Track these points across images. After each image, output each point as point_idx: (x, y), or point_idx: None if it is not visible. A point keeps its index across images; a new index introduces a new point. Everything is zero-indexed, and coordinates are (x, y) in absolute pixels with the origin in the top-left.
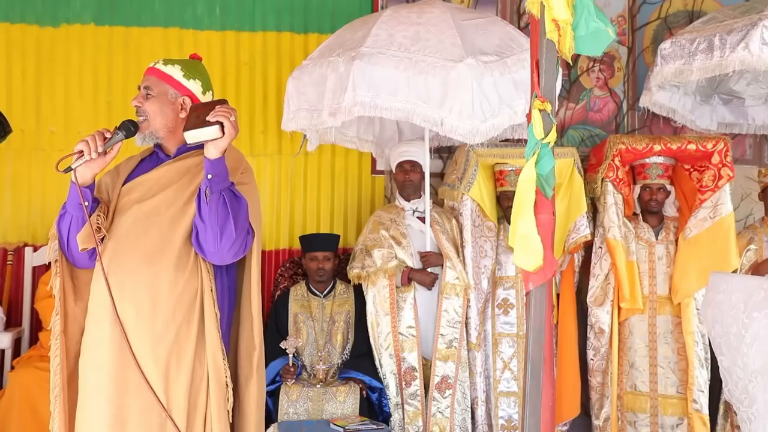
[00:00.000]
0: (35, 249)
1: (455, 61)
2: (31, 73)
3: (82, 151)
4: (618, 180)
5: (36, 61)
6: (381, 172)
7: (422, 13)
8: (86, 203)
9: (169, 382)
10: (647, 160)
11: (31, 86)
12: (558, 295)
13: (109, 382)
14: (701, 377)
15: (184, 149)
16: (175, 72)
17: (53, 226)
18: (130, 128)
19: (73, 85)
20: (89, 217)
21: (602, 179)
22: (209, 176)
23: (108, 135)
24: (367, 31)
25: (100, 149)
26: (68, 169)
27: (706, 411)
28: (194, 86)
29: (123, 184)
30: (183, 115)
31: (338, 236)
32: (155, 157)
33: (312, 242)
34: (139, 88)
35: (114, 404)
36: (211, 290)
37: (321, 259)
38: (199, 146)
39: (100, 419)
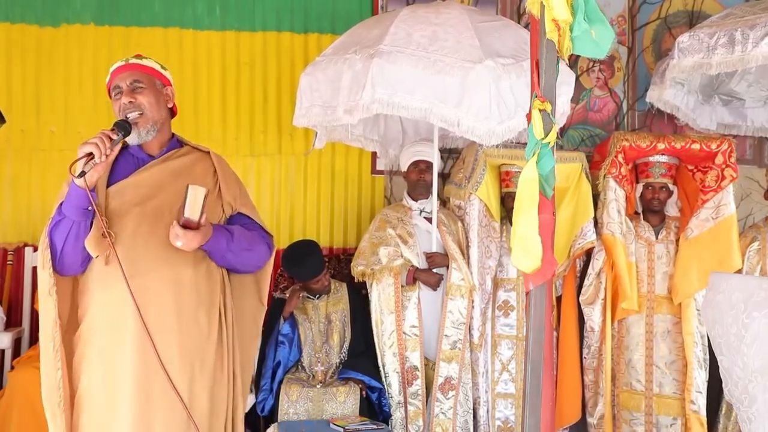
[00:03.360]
0: (35, 249)
1: (474, 62)
2: (31, 73)
3: (91, 154)
4: (621, 177)
5: (36, 61)
6: (381, 172)
7: (439, 14)
8: (94, 204)
9: (194, 384)
10: (650, 159)
11: (31, 86)
12: (559, 299)
13: (134, 390)
14: (700, 378)
15: (169, 148)
16: (153, 64)
17: (44, 236)
18: (126, 127)
19: (73, 85)
20: (95, 213)
21: (604, 176)
22: (209, 252)
23: (113, 136)
24: (385, 30)
25: (108, 151)
26: (82, 174)
27: (704, 412)
28: (169, 76)
29: (107, 186)
30: (170, 104)
31: (317, 248)
32: (132, 157)
33: (301, 272)
34: (117, 89)
35: (138, 412)
36: (228, 286)
37: (314, 282)
38: (179, 146)
39: (123, 427)
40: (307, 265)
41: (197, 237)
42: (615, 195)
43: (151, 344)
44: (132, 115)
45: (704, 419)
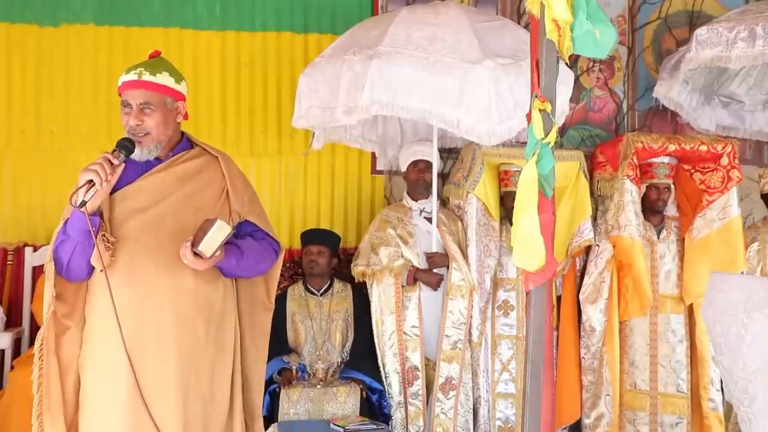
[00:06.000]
0: (35, 249)
1: (473, 63)
2: (31, 73)
3: (91, 181)
4: (636, 179)
5: (36, 61)
6: (381, 172)
7: (438, 14)
8: (94, 229)
9: (189, 393)
10: (656, 160)
11: (31, 86)
12: (559, 299)
13: (128, 402)
14: (717, 377)
15: (179, 150)
16: (166, 80)
17: (49, 253)
18: (129, 147)
19: (73, 85)
20: (96, 237)
21: (622, 178)
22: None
23: (114, 160)
24: (384, 31)
25: (109, 177)
26: (83, 203)
27: (721, 410)
28: (183, 88)
29: (112, 191)
30: (180, 119)
31: (337, 236)
32: (137, 161)
33: (308, 236)
34: (127, 104)
35: (132, 424)
36: (233, 290)
37: (315, 253)
38: (189, 146)
39: None
40: (325, 234)
41: (205, 264)
42: (632, 197)
43: (146, 355)
44: (138, 136)
45: (722, 417)
